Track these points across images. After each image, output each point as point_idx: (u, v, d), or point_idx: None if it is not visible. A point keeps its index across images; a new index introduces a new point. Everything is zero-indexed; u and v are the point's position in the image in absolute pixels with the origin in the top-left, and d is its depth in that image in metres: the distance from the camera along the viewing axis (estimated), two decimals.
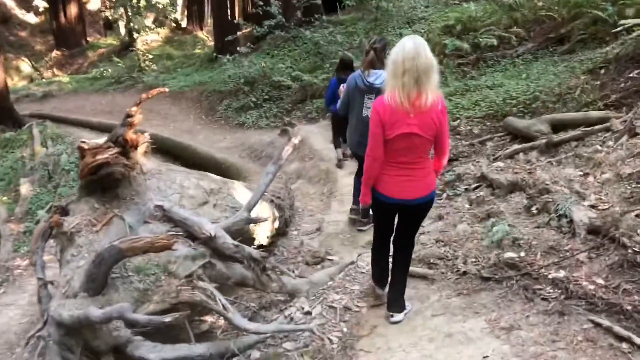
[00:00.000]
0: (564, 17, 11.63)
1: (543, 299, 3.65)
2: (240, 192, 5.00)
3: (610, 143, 5.15)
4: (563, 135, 5.78)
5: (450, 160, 6.90)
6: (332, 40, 14.23)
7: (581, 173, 4.86)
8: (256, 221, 4.47)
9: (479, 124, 7.73)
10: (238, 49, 15.18)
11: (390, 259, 4.04)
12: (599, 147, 5.12)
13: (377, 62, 4.82)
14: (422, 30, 14.51)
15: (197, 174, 4.93)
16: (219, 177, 5.22)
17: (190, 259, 3.73)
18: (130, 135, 4.13)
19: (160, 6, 21.70)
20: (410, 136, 3.25)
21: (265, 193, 5.00)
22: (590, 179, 4.72)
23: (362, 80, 4.90)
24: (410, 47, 3.17)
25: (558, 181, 4.77)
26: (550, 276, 3.81)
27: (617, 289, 3.51)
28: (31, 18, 30.82)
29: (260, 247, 4.99)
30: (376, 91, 4.65)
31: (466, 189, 5.67)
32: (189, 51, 24.30)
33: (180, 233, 3.90)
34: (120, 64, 21.37)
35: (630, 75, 6.39)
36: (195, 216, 4.02)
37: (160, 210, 4.01)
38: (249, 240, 4.65)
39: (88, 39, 29.23)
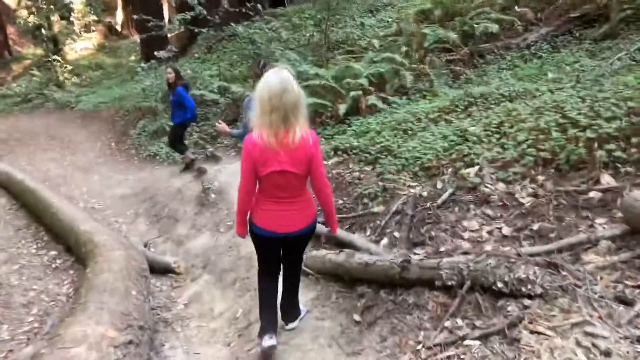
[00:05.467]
0: None
1: None
2: None
3: None
4: None
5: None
6: (272, 37, 10.02)
7: None
8: None
9: (525, 181, 3.66)
10: (155, 54, 10.80)
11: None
12: None
13: None
14: (390, 19, 10.44)
15: None
16: None
17: None
18: None
19: (75, 8, 17.06)
20: (282, 173, 2.92)
21: None
22: None
23: None
24: (276, 82, 2.78)
25: None
26: None
27: None
28: None
29: None
30: None
31: None
32: (124, 59, 19.78)
33: None
34: (36, 78, 16.83)
35: None
36: None
37: None
38: None
39: (19, 49, 24.56)
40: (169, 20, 14.05)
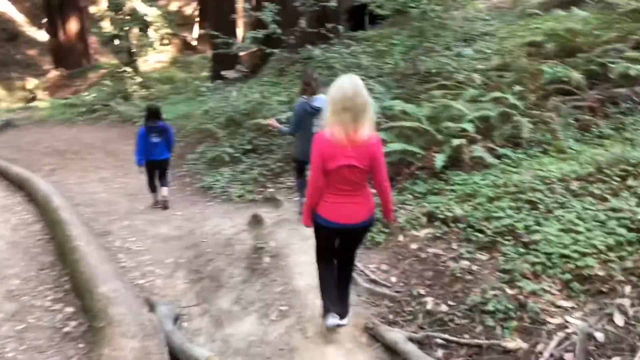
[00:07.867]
0: None
1: None
2: None
3: None
4: None
5: None
6: (352, 63, 8.62)
7: None
8: None
9: None
10: (222, 73, 9.66)
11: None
12: None
13: (317, 90, 5.12)
14: (489, 51, 8.81)
15: None
16: None
17: None
18: None
19: (152, 20, 16.36)
20: (349, 167, 3.19)
21: None
22: None
23: (309, 106, 5.10)
24: (349, 86, 3.07)
25: None
26: None
27: None
28: (42, 36, 26.10)
29: None
30: (321, 112, 4.60)
31: None
32: (196, 74, 19.00)
33: None
34: (105, 88, 16.22)
35: None
36: None
37: None
38: None
39: (99, 58, 24.47)
40: (243, 39, 12.98)
